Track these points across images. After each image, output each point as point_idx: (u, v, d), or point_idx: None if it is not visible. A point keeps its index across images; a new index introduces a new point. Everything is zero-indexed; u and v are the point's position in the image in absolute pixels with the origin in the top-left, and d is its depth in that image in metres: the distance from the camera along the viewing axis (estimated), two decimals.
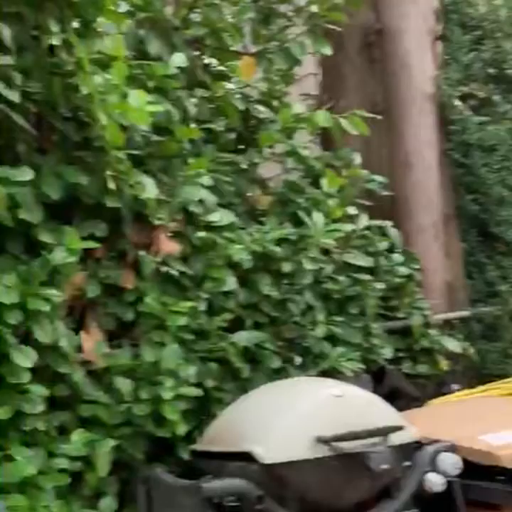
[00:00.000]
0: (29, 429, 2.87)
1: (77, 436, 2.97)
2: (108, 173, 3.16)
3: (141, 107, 3.09)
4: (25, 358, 2.85)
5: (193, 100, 3.91)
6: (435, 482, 2.58)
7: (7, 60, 2.82)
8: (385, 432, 2.46)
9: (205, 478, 2.33)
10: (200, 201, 3.54)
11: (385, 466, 2.38)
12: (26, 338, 2.91)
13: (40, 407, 2.88)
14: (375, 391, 4.12)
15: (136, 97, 3.08)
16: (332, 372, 3.82)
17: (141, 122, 3.17)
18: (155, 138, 3.47)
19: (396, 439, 2.51)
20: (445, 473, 2.61)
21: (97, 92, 3.03)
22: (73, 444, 2.94)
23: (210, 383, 3.40)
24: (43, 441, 2.92)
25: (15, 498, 2.64)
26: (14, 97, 2.86)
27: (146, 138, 3.44)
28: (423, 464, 2.61)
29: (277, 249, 3.74)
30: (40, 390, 2.89)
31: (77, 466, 2.96)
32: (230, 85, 4.46)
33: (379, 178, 4.73)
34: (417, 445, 2.67)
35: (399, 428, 2.52)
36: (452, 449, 2.69)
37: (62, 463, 2.89)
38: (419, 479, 2.59)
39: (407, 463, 2.61)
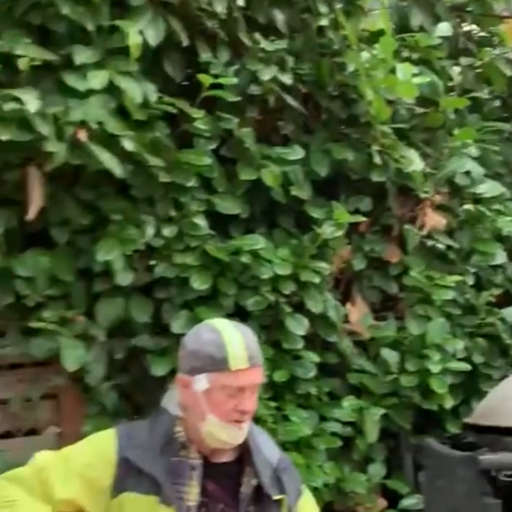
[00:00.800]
0: (303, 392, 3.05)
1: (348, 402, 3.10)
2: (374, 147, 3.22)
3: (408, 79, 3.09)
4: (298, 326, 3.02)
5: (457, 69, 3.80)
6: None
7: (281, 44, 2.98)
8: None
9: (481, 450, 2.30)
10: (467, 173, 3.46)
11: None
12: (298, 308, 3.09)
13: (313, 373, 3.05)
14: None
15: (403, 70, 3.09)
16: None
17: (408, 95, 3.18)
18: (419, 110, 3.45)
19: None
20: None
21: (364, 68, 3.09)
22: (344, 409, 3.07)
23: (478, 359, 3.33)
24: (315, 405, 3.09)
25: (293, 456, 2.85)
26: (287, 79, 3.02)
27: (410, 111, 3.43)
28: None
29: None
30: (312, 357, 3.05)
31: (348, 431, 3.09)
32: (494, 51, 4.27)
33: None
34: None
35: None
36: None
37: (334, 426, 3.04)
38: None
39: None
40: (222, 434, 1.76)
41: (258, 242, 2.99)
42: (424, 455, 2.54)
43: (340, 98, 3.32)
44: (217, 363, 1.74)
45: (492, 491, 2.24)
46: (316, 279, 3.05)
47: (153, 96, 2.69)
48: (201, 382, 1.76)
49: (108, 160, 2.45)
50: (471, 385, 3.34)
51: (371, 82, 3.06)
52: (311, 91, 3.29)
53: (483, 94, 4.06)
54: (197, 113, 2.81)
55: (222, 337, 1.77)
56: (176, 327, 2.76)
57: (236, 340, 1.77)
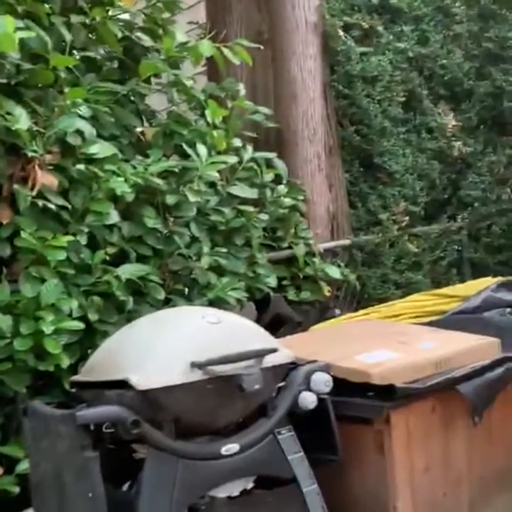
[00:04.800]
0: None
1: None
2: None
3: (9, 33, 2.95)
4: None
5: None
6: (308, 400, 2.71)
7: None
8: (257, 354, 2.54)
9: (79, 406, 2.36)
10: (78, 132, 3.45)
11: (257, 387, 2.47)
12: None
13: None
14: (260, 318, 4.26)
15: (4, 23, 2.94)
16: (218, 303, 3.91)
17: (9, 49, 3.04)
18: (27, 66, 3.34)
19: (270, 361, 2.60)
20: (318, 391, 2.74)
21: None
22: None
23: (94, 316, 3.40)
24: None
25: None
26: None
27: (17, 66, 3.30)
28: (297, 383, 2.72)
29: (160, 181, 3.73)
30: None
31: None
32: (111, 12, 4.30)
33: (264, 109, 4.75)
34: (293, 366, 2.78)
35: (272, 350, 2.61)
36: (326, 368, 2.81)
37: None
38: (294, 398, 2.71)
39: (282, 383, 2.73)
40: None
41: None
42: (29, 418, 2.53)
43: None
44: None
45: (92, 445, 2.31)
46: None
47: None
48: None
49: None
50: (88, 342, 3.40)
51: None
52: None
53: (98, 54, 4.08)
54: None
55: None
56: None
57: None
